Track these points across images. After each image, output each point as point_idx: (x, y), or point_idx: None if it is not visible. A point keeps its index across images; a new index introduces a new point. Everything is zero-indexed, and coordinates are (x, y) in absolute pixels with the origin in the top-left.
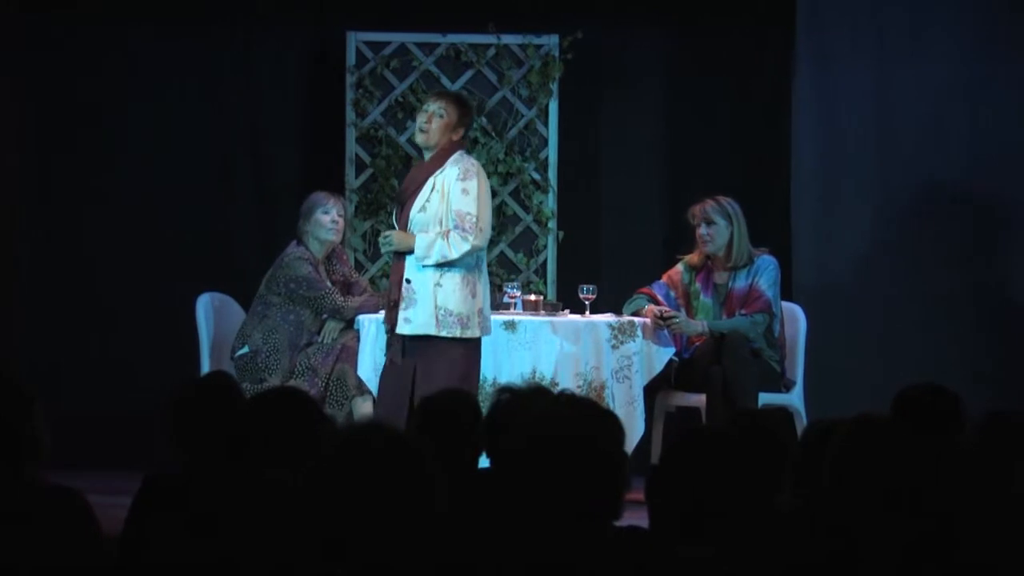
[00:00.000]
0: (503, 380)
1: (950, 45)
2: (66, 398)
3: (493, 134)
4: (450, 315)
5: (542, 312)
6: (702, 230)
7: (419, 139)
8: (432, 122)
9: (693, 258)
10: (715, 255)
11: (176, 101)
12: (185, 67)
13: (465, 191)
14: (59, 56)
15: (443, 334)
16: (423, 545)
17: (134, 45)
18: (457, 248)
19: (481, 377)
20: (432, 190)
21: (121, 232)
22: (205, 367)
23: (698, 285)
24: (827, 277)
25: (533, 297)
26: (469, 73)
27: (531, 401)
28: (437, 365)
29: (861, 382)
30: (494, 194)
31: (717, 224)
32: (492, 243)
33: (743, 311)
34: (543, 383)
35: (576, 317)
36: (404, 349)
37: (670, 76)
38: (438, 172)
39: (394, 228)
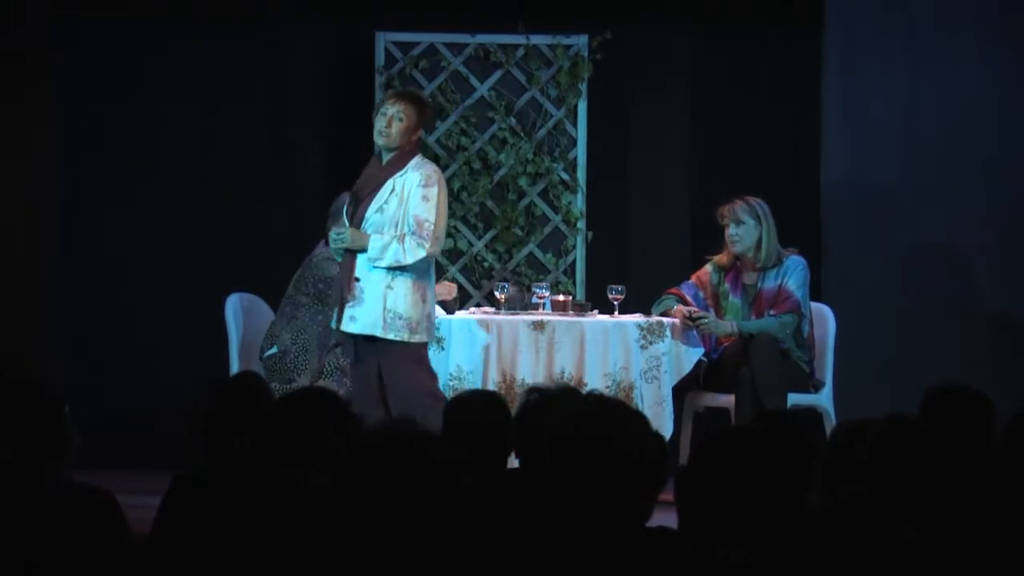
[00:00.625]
0: (531, 381)
1: (979, 45)
2: (95, 399)
3: (522, 134)
4: (399, 319)
5: (571, 312)
6: (731, 230)
7: (379, 142)
8: (392, 126)
9: (722, 258)
10: (744, 255)
11: (204, 101)
12: (213, 67)
13: (426, 198)
14: (88, 56)
15: (390, 336)
16: (451, 546)
17: (162, 46)
18: (412, 254)
19: (510, 376)
20: (391, 192)
21: (150, 232)
22: (234, 367)
23: (727, 285)
24: (856, 277)
25: (562, 297)
26: (498, 73)
27: (560, 402)
28: (403, 371)
29: (890, 382)
30: (523, 195)
31: (746, 224)
32: (521, 243)
33: (772, 311)
34: (571, 384)
35: (605, 317)
36: (356, 349)
37: (699, 76)
38: (399, 174)
39: (346, 225)
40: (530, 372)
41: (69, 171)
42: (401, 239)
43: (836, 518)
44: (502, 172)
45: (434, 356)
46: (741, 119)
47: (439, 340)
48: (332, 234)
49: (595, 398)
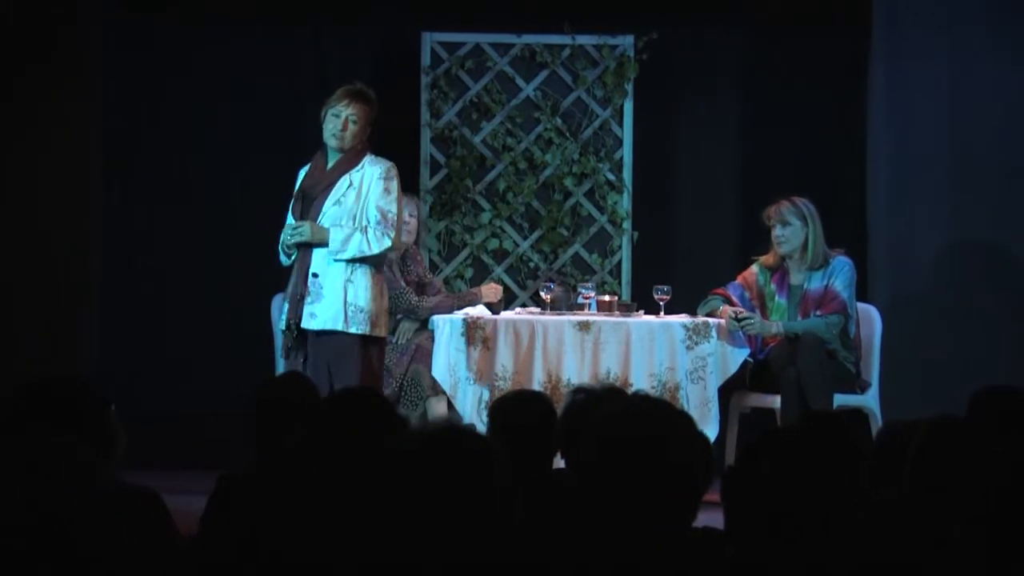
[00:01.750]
0: (577, 381)
1: None
2: (141, 399)
3: (568, 134)
4: (360, 311)
5: (616, 313)
6: (777, 231)
7: (332, 144)
8: (347, 129)
9: (768, 259)
10: (790, 256)
11: (251, 101)
12: (260, 67)
13: (387, 190)
14: (136, 57)
15: (351, 330)
16: (497, 546)
17: (209, 46)
18: (378, 244)
19: (555, 377)
20: (349, 186)
21: (196, 232)
22: (279, 367)
23: (773, 286)
24: (903, 278)
25: (607, 298)
26: (544, 73)
27: (605, 402)
28: (346, 362)
29: (936, 383)
30: (569, 195)
31: (792, 225)
32: (567, 243)
33: (818, 312)
34: (617, 384)
35: (650, 318)
36: (307, 345)
37: (745, 76)
38: (355, 170)
39: (296, 222)
40: (575, 372)
41: (115, 171)
42: (364, 230)
43: (882, 519)
44: (548, 172)
45: (480, 356)
46: (787, 118)
47: (484, 340)
48: (288, 230)
49: (640, 399)
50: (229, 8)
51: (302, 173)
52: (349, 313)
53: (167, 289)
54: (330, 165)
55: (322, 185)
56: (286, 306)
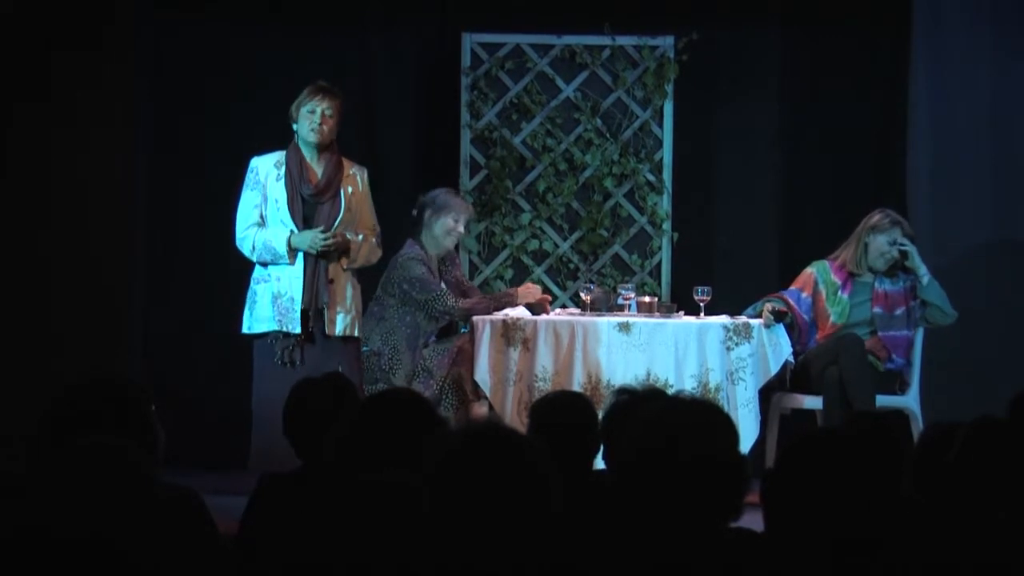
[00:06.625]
0: (618, 382)
1: None
2: (176, 398)
3: (608, 135)
4: (359, 314)
5: (656, 314)
6: (904, 244)
7: (312, 139)
8: (326, 123)
9: (834, 264)
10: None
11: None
12: (302, 68)
13: (371, 198)
14: (177, 55)
15: (356, 334)
16: (539, 546)
17: (251, 46)
18: (376, 255)
19: (595, 378)
20: (351, 191)
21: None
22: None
23: (837, 281)
24: (943, 278)
25: (648, 299)
26: (584, 74)
27: (647, 403)
28: (353, 365)
29: (977, 384)
30: (609, 196)
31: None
32: (607, 244)
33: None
34: (657, 385)
35: (691, 319)
36: (301, 351)
37: (786, 77)
38: (349, 173)
39: (290, 225)
40: (616, 373)
41: (155, 171)
42: (368, 241)
43: (925, 520)
44: (588, 173)
45: (520, 357)
46: (828, 119)
47: (525, 341)
48: (318, 238)
49: (681, 400)
50: (271, 8)
51: (264, 167)
52: (355, 319)
53: (205, 286)
54: (312, 164)
55: (330, 192)
56: (292, 309)
